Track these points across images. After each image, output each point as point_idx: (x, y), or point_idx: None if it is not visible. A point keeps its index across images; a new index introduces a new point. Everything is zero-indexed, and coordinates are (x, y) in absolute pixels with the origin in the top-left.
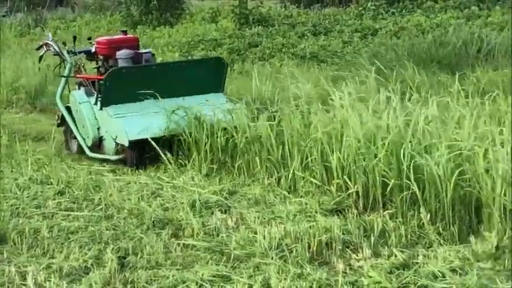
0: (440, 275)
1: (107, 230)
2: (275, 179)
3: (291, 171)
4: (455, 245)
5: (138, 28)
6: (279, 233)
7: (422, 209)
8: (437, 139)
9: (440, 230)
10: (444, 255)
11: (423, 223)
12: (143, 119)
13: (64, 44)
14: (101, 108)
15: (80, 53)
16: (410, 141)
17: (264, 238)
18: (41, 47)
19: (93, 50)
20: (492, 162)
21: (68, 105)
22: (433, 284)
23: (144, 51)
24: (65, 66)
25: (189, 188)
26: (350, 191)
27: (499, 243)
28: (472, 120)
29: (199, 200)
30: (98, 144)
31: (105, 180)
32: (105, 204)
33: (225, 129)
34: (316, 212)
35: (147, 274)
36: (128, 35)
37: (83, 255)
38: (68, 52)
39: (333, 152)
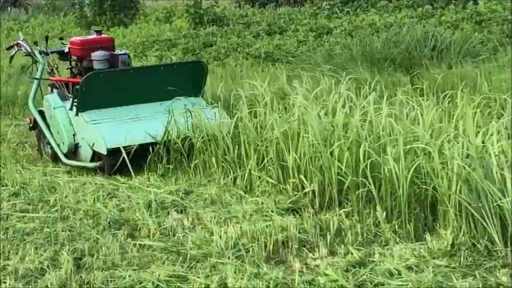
0: (396, 273)
1: (62, 231)
2: (231, 178)
3: (247, 171)
4: (411, 242)
5: (92, 29)
6: (235, 233)
7: (378, 207)
8: (393, 137)
9: (396, 227)
10: (400, 253)
11: (379, 221)
12: (121, 126)
13: (36, 43)
14: (76, 114)
15: (52, 53)
16: (366, 139)
17: (221, 238)
18: (11, 47)
19: (66, 50)
20: (448, 159)
21: (41, 109)
22: (389, 281)
23: (120, 52)
24: (37, 68)
25: (144, 188)
26: (306, 190)
27: (454, 241)
28: (428, 117)
29: (155, 200)
30: (73, 151)
31: (60, 181)
32: (61, 206)
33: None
34: (272, 212)
35: (104, 275)
36: (102, 35)
37: (38, 257)
38: (40, 52)
39: (289, 151)
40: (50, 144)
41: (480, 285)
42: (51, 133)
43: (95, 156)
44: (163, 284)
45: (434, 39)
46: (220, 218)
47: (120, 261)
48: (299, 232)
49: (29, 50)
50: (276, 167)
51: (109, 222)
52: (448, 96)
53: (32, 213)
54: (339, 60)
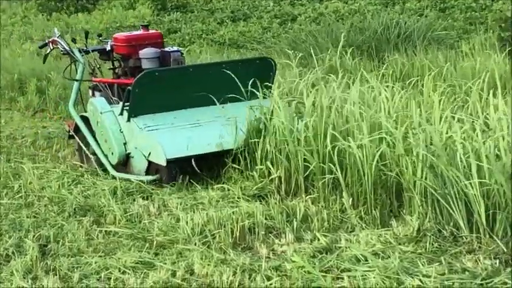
0: (363, 259)
1: (27, 217)
2: None
3: None
4: (377, 228)
5: (54, 15)
6: (201, 219)
7: (344, 194)
8: (359, 123)
9: (362, 214)
10: (366, 239)
11: (345, 207)
12: (181, 133)
13: (74, 41)
14: (128, 120)
15: (93, 51)
16: (332, 125)
17: (187, 224)
18: (45, 44)
19: (108, 47)
20: (413, 146)
21: (83, 114)
22: (355, 267)
23: (172, 49)
24: (76, 68)
25: (110, 175)
26: (272, 176)
27: (420, 227)
28: (393, 103)
29: (121, 187)
30: (124, 162)
31: (24, 167)
32: (25, 192)
33: None
34: (238, 198)
35: (69, 261)
36: (150, 31)
37: (3, 243)
38: (80, 51)
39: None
40: (95, 154)
41: (446, 271)
42: (97, 142)
43: (151, 167)
44: (129, 270)
45: (399, 26)
46: (187, 205)
47: (86, 248)
48: (265, 218)
49: (67, 48)
50: (242, 153)
51: (74, 209)
52: (413, 82)
53: None
54: (305, 47)
